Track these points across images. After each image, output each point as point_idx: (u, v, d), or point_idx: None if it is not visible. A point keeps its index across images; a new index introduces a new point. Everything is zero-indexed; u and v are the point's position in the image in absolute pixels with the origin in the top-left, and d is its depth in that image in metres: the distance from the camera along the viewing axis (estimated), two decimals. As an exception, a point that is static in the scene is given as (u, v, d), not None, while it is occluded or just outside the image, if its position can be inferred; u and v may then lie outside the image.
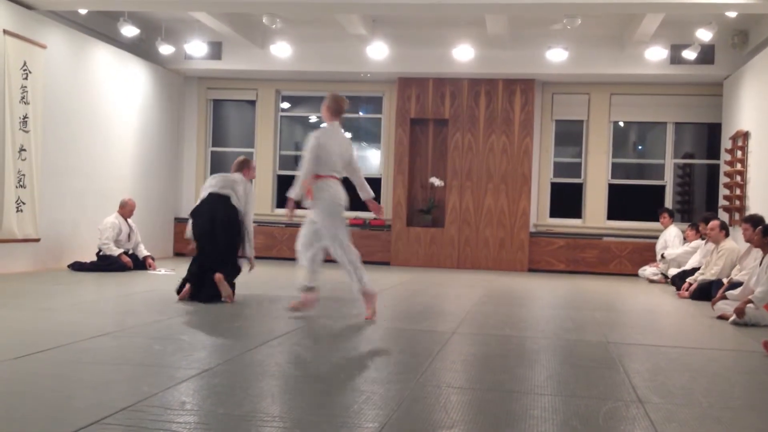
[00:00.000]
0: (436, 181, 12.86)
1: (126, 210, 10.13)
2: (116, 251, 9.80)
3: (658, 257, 11.32)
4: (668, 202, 12.79)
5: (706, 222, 9.43)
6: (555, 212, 13.11)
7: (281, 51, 12.03)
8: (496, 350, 5.17)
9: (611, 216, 12.95)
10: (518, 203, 12.68)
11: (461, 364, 4.66)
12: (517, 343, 5.49)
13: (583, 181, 13.03)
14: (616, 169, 13.12)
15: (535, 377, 4.27)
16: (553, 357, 5.05)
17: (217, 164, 13.53)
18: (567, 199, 13.11)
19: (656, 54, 11.54)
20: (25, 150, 9.15)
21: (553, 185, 13.15)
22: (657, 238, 11.71)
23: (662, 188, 12.93)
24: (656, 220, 11.96)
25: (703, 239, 9.99)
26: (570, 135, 13.28)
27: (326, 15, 10.77)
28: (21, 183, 9.09)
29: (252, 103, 13.71)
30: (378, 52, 11.74)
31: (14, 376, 3.86)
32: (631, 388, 4.05)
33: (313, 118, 14.20)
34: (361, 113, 14.12)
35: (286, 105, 13.90)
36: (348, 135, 7.09)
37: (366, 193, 6.57)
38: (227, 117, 14.26)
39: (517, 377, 4.25)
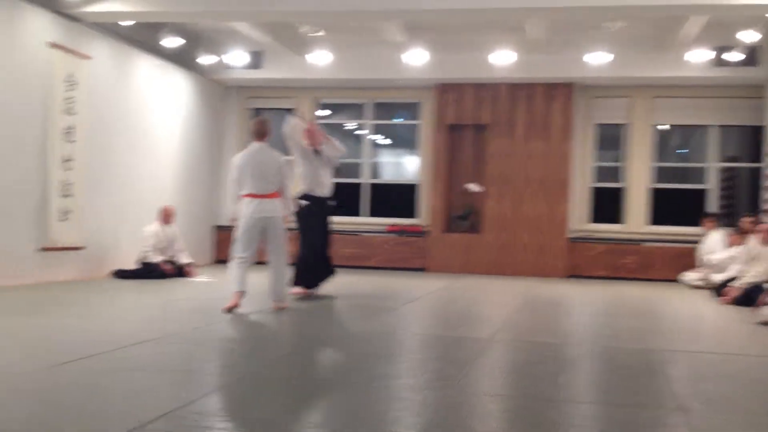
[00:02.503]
0: (473, 187, 12.81)
1: (165, 216, 10.28)
2: (157, 259, 9.94)
3: (701, 263, 11.14)
4: (711, 206, 12.57)
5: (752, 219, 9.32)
6: (595, 217, 12.96)
7: (320, 59, 12.12)
8: (535, 358, 5.14)
9: (653, 221, 12.77)
10: (557, 208, 12.58)
11: (499, 372, 4.64)
12: (556, 350, 5.45)
13: (624, 185, 12.88)
14: (658, 173, 12.94)
15: (575, 385, 4.24)
16: (593, 364, 5.00)
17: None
18: (607, 204, 12.96)
19: (699, 56, 11.37)
20: (70, 160, 9.34)
21: (593, 190, 13.02)
22: (699, 243, 11.52)
23: (705, 192, 12.72)
24: (699, 224, 11.77)
25: (743, 240, 9.78)
26: (611, 139, 13.14)
27: (364, 23, 10.81)
28: (67, 192, 9.28)
29: (291, 111, 13.80)
30: (416, 58, 11.76)
31: (58, 383, 3.95)
32: (672, 396, 4.00)
33: (351, 126, 14.27)
34: (398, 120, 14.14)
35: (324, 113, 13.98)
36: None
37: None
38: (266, 125, 14.37)
39: (556, 385, 4.22)
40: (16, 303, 7.09)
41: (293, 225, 7.87)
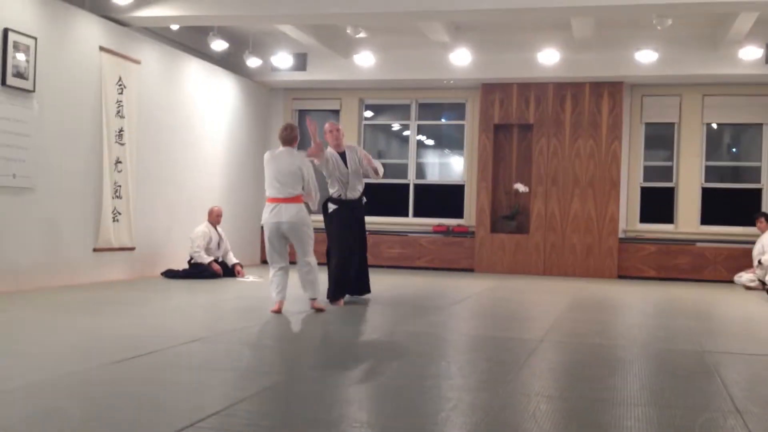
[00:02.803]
0: (520, 187, 12.71)
1: (213, 216, 10.40)
2: (207, 259, 10.06)
3: (755, 263, 10.88)
4: (765, 206, 12.27)
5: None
6: (645, 217, 12.76)
7: (365, 60, 12.15)
8: (586, 359, 5.07)
9: (705, 221, 12.52)
10: (606, 208, 12.41)
11: (550, 373, 4.59)
12: (608, 351, 5.37)
13: (675, 185, 12.66)
14: (710, 173, 12.68)
15: (628, 387, 4.16)
16: (646, 366, 4.91)
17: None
18: (658, 204, 12.75)
19: (750, 53, 11.11)
20: (121, 162, 9.51)
21: (643, 189, 12.81)
22: (754, 243, 11.25)
23: (759, 192, 12.42)
24: (752, 224, 11.50)
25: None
26: (661, 138, 12.92)
27: (409, 23, 10.80)
28: (117, 194, 9.45)
29: (336, 112, 13.87)
30: (461, 58, 11.71)
31: (111, 380, 4.01)
32: (728, 398, 3.90)
33: (396, 126, 14.27)
34: (443, 120, 14.10)
35: (369, 113, 14.01)
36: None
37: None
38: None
39: (608, 387, 4.15)
40: (73, 302, 7.24)
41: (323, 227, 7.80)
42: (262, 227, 7.06)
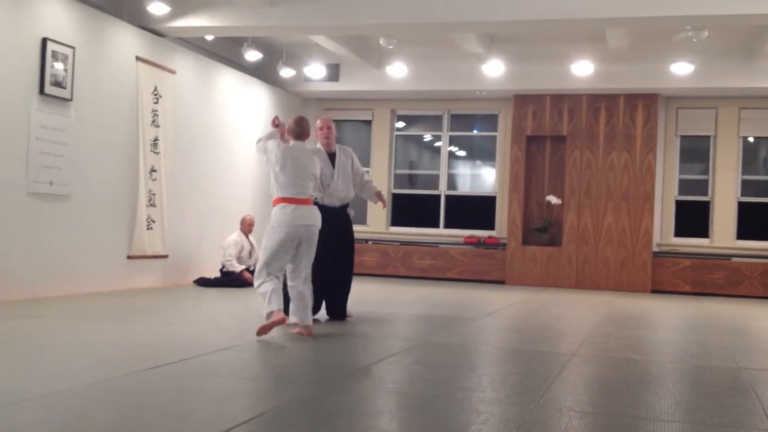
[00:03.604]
0: (553, 199, 12.63)
1: (245, 225, 10.46)
2: (238, 268, 10.12)
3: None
4: (804, 221, 12.06)
5: None
6: (680, 231, 12.60)
7: (397, 71, 12.17)
8: (620, 374, 5.00)
9: (741, 235, 12.32)
10: (640, 222, 12.27)
11: (582, 388, 4.53)
12: (642, 367, 5.29)
13: (711, 198, 12.48)
14: (746, 187, 12.49)
15: (661, 403, 4.10)
16: (680, 382, 4.83)
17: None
18: (693, 218, 12.58)
19: (788, 66, 10.95)
20: (155, 170, 9.61)
21: (678, 203, 12.66)
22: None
23: (797, 206, 12.21)
24: (791, 240, 11.30)
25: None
26: (696, 151, 12.76)
27: (442, 34, 10.81)
28: (151, 202, 9.55)
29: (368, 123, 13.90)
30: (494, 69, 11.68)
31: (142, 387, 4.03)
32: (764, 416, 3.82)
33: (428, 137, 14.26)
34: (476, 131, 14.06)
35: (401, 124, 14.02)
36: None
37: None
38: (344, 137, 14.50)
39: (642, 402, 4.09)
40: (106, 309, 7.32)
41: None
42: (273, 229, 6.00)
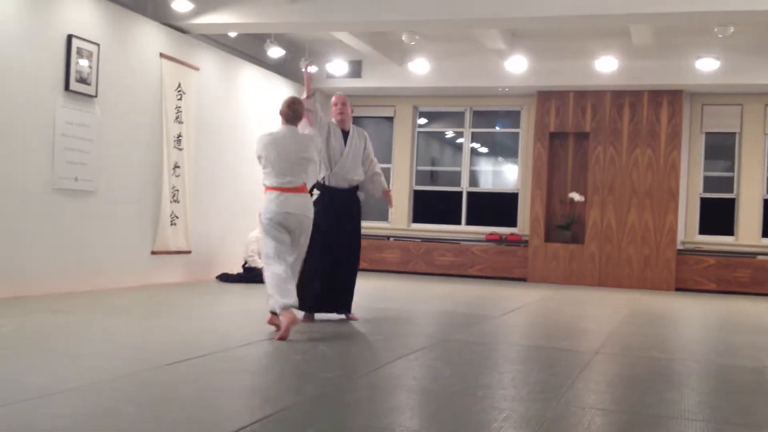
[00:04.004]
0: (575, 196, 12.55)
1: (269, 223, 10.49)
2: (261, 264, 10.14)
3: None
4: (832, 219, 11.90)
5: None
6: (704, 229, 12.47)
7: (419, 67, 12.15)
8: (643, 372, 4.96)
9: (767, 233, 12.18)
10: (664, 219, 12.17)
11: (605, 386, 4.50)
12: (665, 365, 5.25)
13: (736, 196, 12.35)
14: (773, 184, 12.35)
15: (685, 402, 4.06)
16: (705, 381, 4.79)
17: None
18: (718, 216, 12.45)
19: (817, 61, 10.80)
20: (179, 167, 9.67)
21: (703, 200, 12.53)
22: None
23: (825, 204, 12.04)
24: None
25: None
26: (721, 148, 12.63)
27: (465, 30, 10.77)
28: (175, 198, 9.61)
29: (390, 119, 13.89)
30: (517, 65, 11.63)
31: (167, 382, 4.06)
32: (792, 418, 3.78)
33: (450, 134, 14.23)
34: (498, 128, 14.01)
35: (423, 121, 14.00)
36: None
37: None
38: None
39: (665, 401, 4.06)
40: (130, 304, 7.38)
41: None
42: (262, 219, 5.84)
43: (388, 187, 6.76)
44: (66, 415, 3.30)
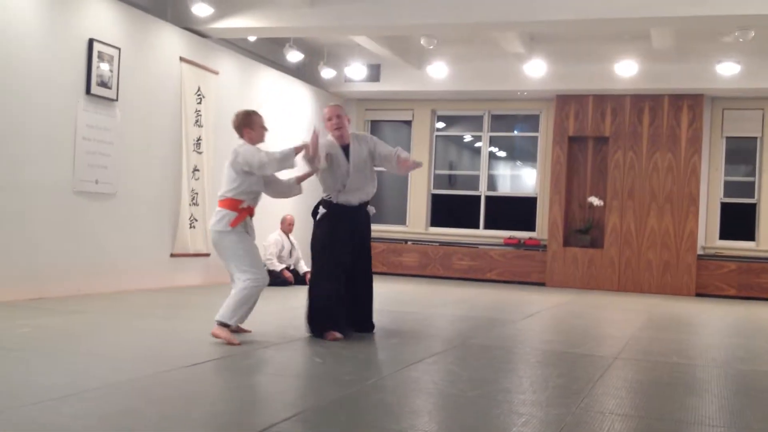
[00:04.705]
0: (595, 201, 12.49)
1: (285, 225, 10.53)
2: (279, 267, 10.18)
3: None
4: None
5: None
6: (725, 234, 12.37)
7: (437, 71, 12.15)
8: (663, 378, 4.92)
9: (789, 239, 12.06)
10: (685, 224, 12.08)
11: (625, 391, 4.47)
12: (686, 371, 5.20)
13: (757, 201, 12.23)
14: (795, 189, 12.22)
15: (706, 407, 4.03)
16: (725, 387, 4.74)
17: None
18: (739, 221, 12.34)
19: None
20: (198, 170, 9.72)
21: (724, 205, 12.43)
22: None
23: None
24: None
25: None
26: (742, 153, 12.52)
27: (483, 34, 10.76)
28: (194, 201, 9.66)
29: (408, 123, 13.90)
30: (535, 69, 11.59)
31: (186, 383, 4.08)
32: (815, 425, 3.73)
33: (468, 138, 14.21)
34: (516, 132, 13.98)
35: (441, 125, 14.00)
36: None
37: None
38: (384, 137, 14.49)
39: (686, 407, 4.03)
40: (150, 306, 7.43)
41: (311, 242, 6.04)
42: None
43: (408, 157, 6.05)
44: (86, 416, 3.33)
